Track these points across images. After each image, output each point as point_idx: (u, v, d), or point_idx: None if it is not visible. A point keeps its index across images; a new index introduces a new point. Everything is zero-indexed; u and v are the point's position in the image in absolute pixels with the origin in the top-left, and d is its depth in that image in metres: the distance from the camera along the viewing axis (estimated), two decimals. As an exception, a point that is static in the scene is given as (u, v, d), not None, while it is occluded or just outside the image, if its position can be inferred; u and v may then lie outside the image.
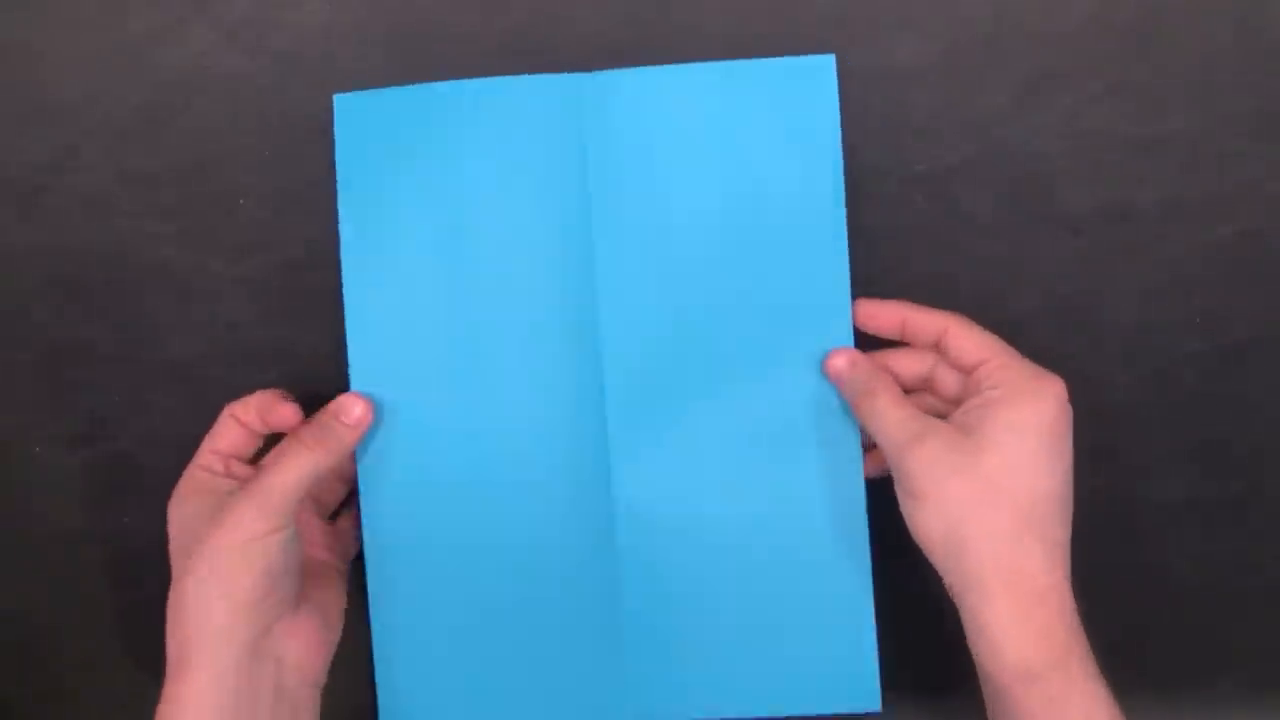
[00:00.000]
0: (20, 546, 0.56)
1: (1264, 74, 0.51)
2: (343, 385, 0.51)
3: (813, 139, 0.50)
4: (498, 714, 0.52)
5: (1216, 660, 0.59)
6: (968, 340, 0.49)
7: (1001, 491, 0.46)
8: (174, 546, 0.48)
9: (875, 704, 0.52)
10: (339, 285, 0.51)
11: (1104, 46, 0.51)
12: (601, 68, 0.50)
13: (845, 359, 0.50)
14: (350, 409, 0.49)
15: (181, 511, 0.49)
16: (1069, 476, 0.47)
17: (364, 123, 0.50)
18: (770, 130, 0.50)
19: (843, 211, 0.50)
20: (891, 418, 0.48)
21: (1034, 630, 0.45)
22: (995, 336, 0.49)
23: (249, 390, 0.50)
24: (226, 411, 0.50)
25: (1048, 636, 0.45)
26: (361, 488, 0.52)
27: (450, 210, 0.51)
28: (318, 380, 0.52)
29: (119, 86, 0.50)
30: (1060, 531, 0.47)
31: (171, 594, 0.47)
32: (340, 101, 0.50)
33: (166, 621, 0.47)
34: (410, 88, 0.50)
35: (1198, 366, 0.55)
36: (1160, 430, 0.56)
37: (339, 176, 0.50)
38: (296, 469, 0.47)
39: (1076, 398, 0.55)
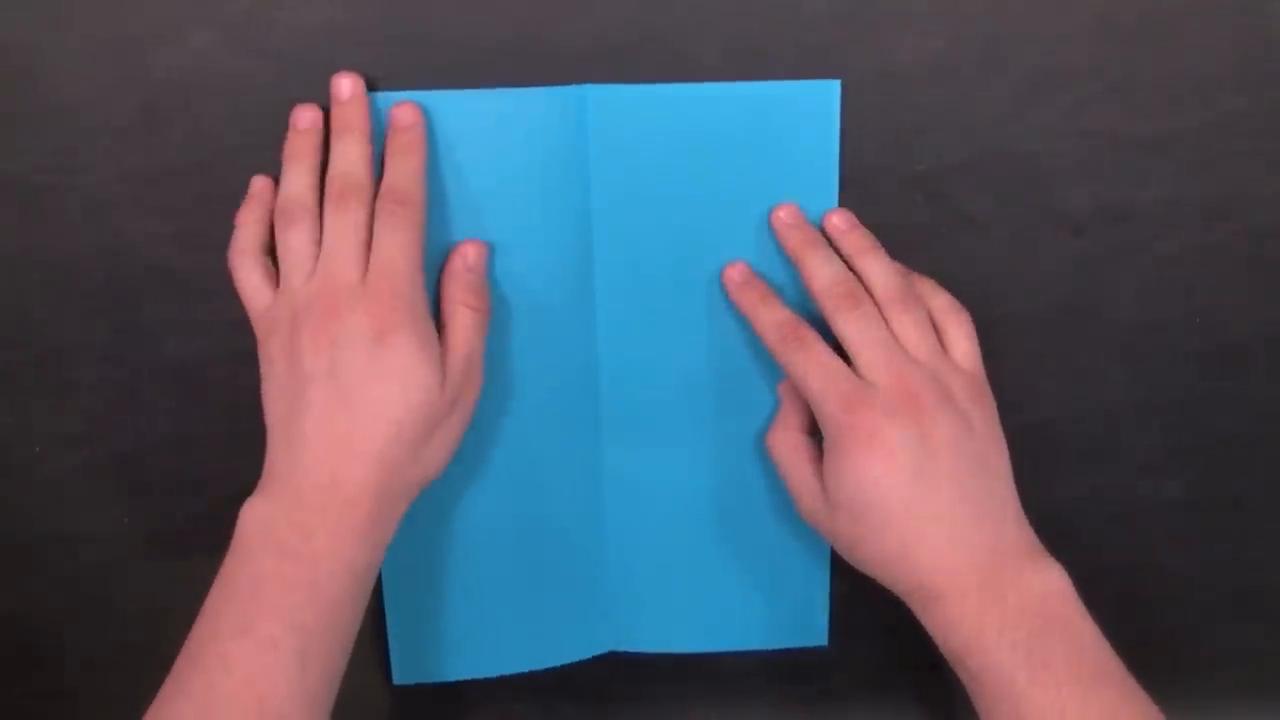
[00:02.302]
0: (20, 546, 0.56)
1: (1264, 74, 0.51)
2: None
3: (812, 160, 0.51)
4: (495, 648, 0.57)
5: (1216, 660, 0.60)
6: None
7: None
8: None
9: (822, 640, 0.58)
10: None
11: (1104, 46, 0.51)
12: (602, 69, 0.50)
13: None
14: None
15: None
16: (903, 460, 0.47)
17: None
18: (772, 151, 0.51)
19: None
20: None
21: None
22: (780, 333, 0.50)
23: (248, 391, 0.50)
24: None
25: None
26: None
27: (451, 212, 0.51)
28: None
29: (119, 86, 0.50)
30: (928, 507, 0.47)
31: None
32: None
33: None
34: (412, 94, 0.49)
35: (1198, 366, 0.55)
36: (1160, 430, 0.56)
37: None
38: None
39: (1077, 397, 0.56)
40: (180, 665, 0.45)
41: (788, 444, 0.52)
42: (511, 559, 0.55)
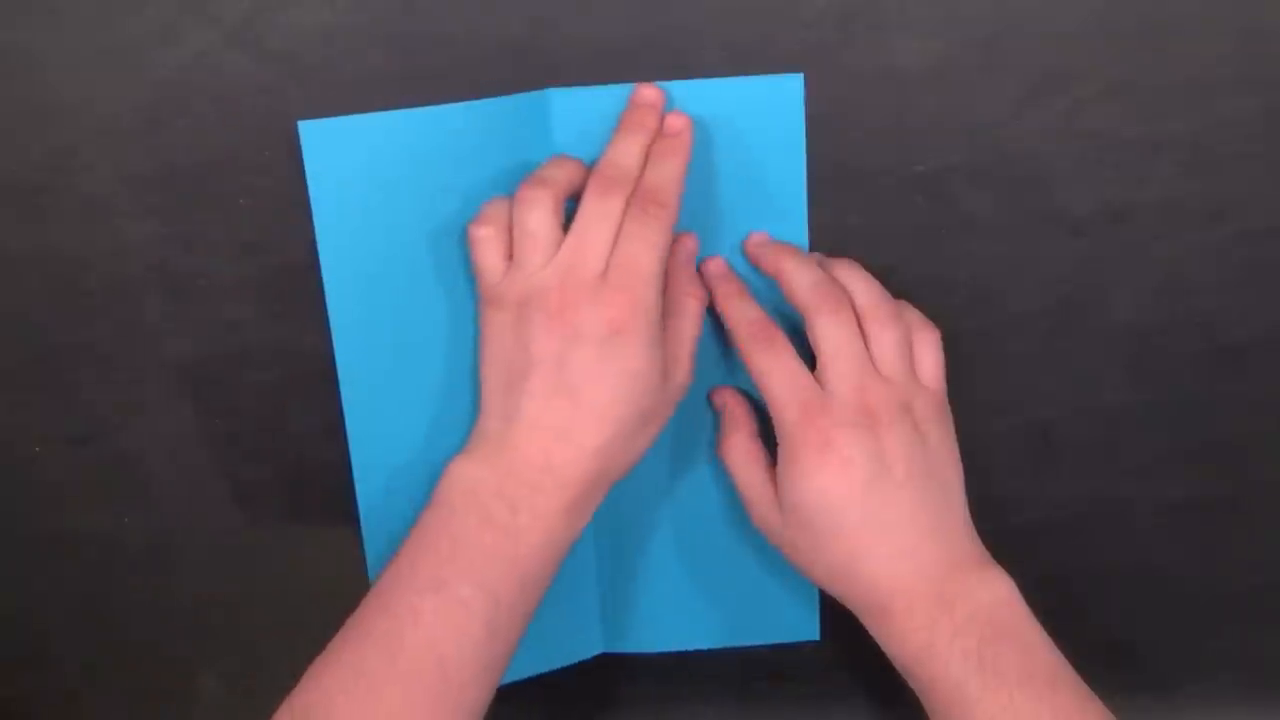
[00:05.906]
0: (20, 546, 0.56)
1: (1264, 75, 0.51)
2: (343, 385, 0.51)
3: (780, 156, 0.51)
4: None
5: (1216, 660, 0.60)
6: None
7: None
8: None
9: (814, 634, 0.57)
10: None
11: (1104, 47, 0.51)
12: (603, 69, 0.50)
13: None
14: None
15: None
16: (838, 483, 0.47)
17: (332, 148, 0.49)
18: (739, 147, 0.51)
19: (805, 226, 0.52)
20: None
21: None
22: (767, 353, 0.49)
23: (248, 389, 0.49)
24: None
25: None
26: (356, 472, 0.53)
27: (421, 230, 0.51)
28: (317, 380, 0.52)
29: (119, 87, 0.50)
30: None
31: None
32: (305, 129, 0.49)
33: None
34: (375, 115, 0.49)
35: (1198, 366, 0.55)
36: (1160, 430, 0.56)
37: (312, 199, 0.50)
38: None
39: (1077, 397, 0.55)
40: (367, 609, 0.46)
41: (740, 449, 0.52)
42: None
